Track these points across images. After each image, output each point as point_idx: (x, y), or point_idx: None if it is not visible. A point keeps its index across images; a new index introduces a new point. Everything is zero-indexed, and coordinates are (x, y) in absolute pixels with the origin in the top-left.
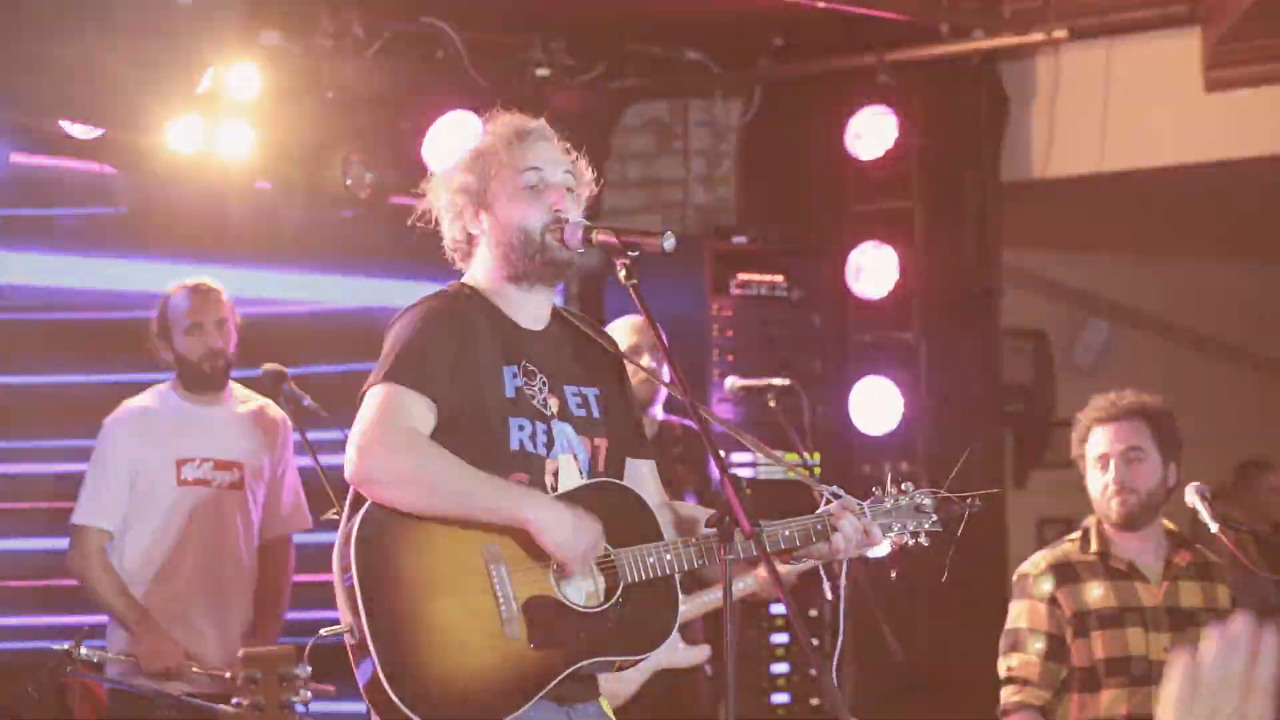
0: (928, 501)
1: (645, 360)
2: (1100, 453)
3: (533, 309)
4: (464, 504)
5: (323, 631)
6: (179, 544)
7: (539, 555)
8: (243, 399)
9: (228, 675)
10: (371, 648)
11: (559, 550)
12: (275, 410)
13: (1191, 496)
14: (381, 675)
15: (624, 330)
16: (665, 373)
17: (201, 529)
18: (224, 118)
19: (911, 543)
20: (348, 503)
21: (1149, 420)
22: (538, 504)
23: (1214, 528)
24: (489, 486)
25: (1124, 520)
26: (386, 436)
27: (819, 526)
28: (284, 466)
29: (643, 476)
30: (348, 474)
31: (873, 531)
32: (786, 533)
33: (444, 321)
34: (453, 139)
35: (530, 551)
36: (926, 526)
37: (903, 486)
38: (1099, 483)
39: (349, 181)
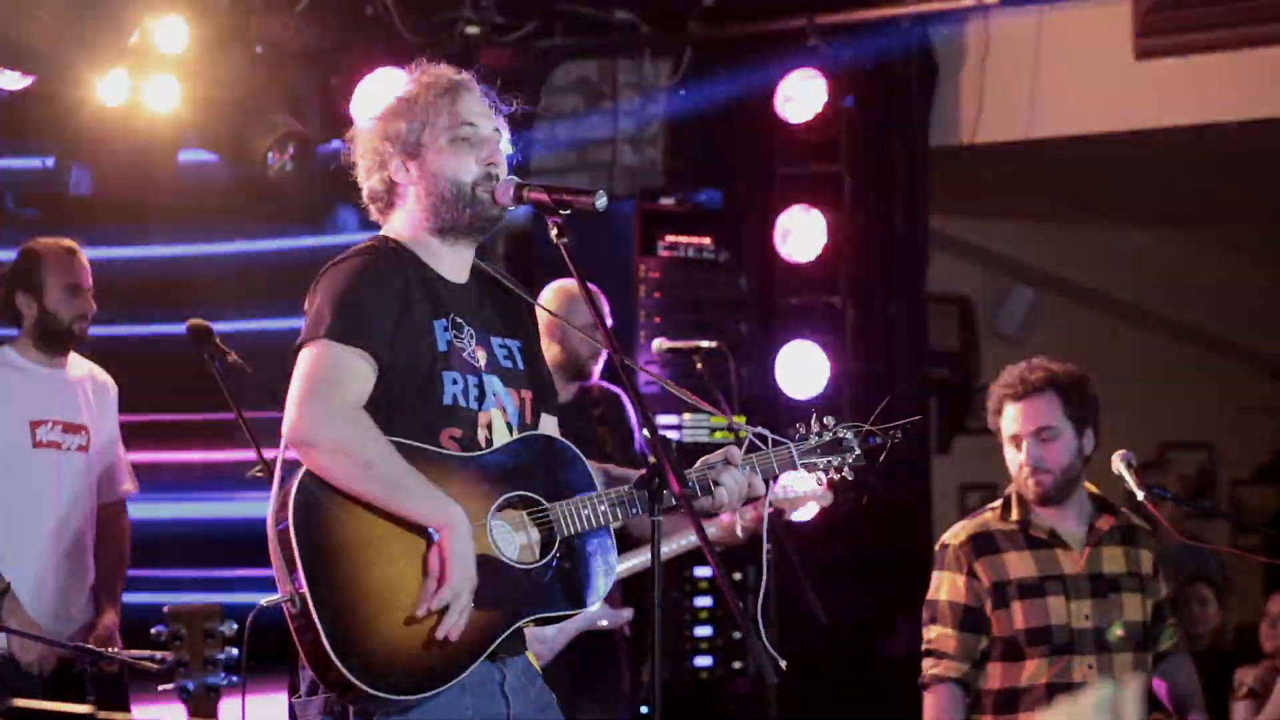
0: (849, 435)
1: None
2: (1012, 432)
3: (455, 262)
4: (388, 491)
5: (263, 602)
6: (38, 508)
7: (475, 515)
8: (75, 362)
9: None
10: (315, 616)
11: (450, 559)
12: (103, 373)
13: (1119, 465)
14: (326, 643)
15: (559, 294)
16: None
17: (57, 493)
18: (151, 71)
19: (837, 477)
20: (278, 464)
21: (1059, 391)
22: (459, 513)
23: (1140, 495)
24: (416, 482)
25: (1041, 499)
26: (327, 400)
27: (704, 482)
28: (114, 430)
29: (550, 431)
30: (285, 430)
31: (755, 482)
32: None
33: (378, 276)
34: (380, 95)
35: (468, 512)
36: (850, 461)
37: (825, 422)
38: (1014, 460)
39: (276, 135)
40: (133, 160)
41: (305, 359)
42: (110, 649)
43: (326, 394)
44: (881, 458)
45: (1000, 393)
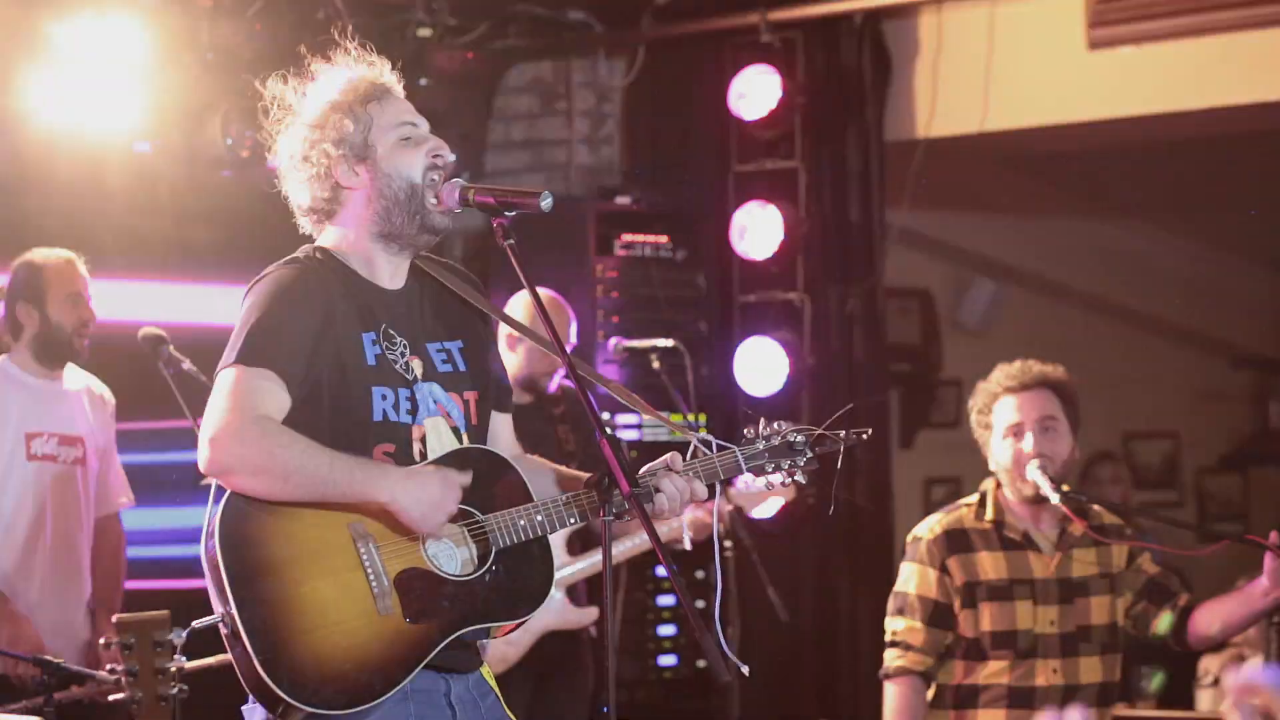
0: (799, 439)
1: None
2: (1013, 421)
3: (391, 268)
4: (319, 489)
5: (195, 624)
6: (33, 522)
7: (411, 533)
8: (72, 374)
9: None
10: (244, 637)
11: (420, 524)
12: (100, 385)
13: (1033, 473)
14: (256, 663)
15: (525, 307)
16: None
17: (53, 506)
18: (102, 78)
19: (788, 481)
20: (212, 487)
21: (1056, 390)
22: (392, 482)
23: (1055, 499)
24: (342, 470)
25: (1036, 494)
26: (236, 424)
27: (644, 489)
28: (110, 443)
29: (500, 430)
30: (201, 464)
31: (696, 488)
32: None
33: (297, 292)
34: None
35: (397, 526)
36: (801, 464)
37: (775, 426)
38: (1009, 451)
39: (229, 141)
40: (85, 168)
41: (217, 386)
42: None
43: (235, 419)
44: (837, 463)
45: (997, 386)
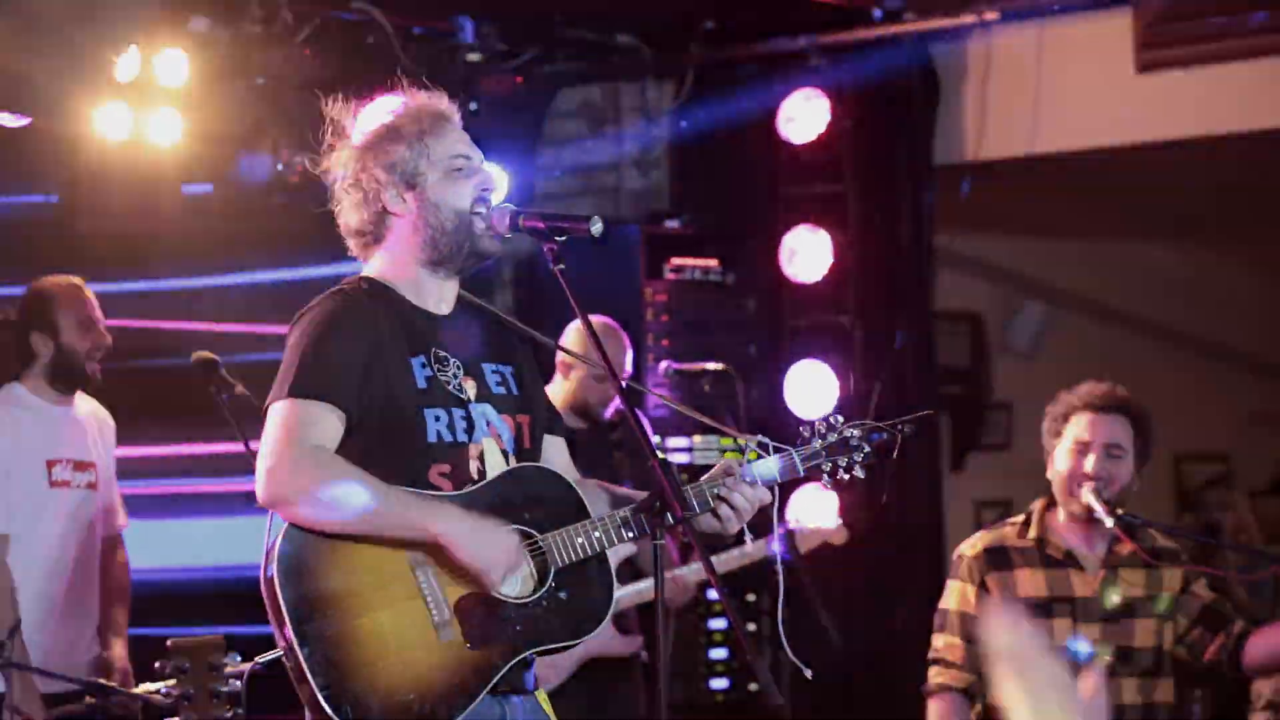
0: (856, 433)
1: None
2: (1083, 438)
3: (440, 294)
4: (373, 522)
5: (258, 660)
6: (56, 547)
7: None
8: (80, 399)
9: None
10: (307, 672)
11: (474, 563)
12: (103, 410)
13: (1088, 495)
14: (321, 698)
15: (580, 336)
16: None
17: (71, 532)
18: (152, 105)
19: (846, 477)
20: (269, 517)
21: (1134, 420)
22: (447, 517)
23: (1109, 523)
24: (398, 503)
25: (1087, 511)
26: (291, 455)
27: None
28: (113, 466)
29: (553, 454)
30: (258, 497)
31: (761, 494)
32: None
33: (346, 322)
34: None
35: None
36: (859, 459)
37: (831, 422)
38: (1068, 465)
39: (279, 167)
40: (136, 195)
41: (270, 418)
42: (119, 684)
43: (290, 451)
44: (893, 454)
45: (1078, 400)
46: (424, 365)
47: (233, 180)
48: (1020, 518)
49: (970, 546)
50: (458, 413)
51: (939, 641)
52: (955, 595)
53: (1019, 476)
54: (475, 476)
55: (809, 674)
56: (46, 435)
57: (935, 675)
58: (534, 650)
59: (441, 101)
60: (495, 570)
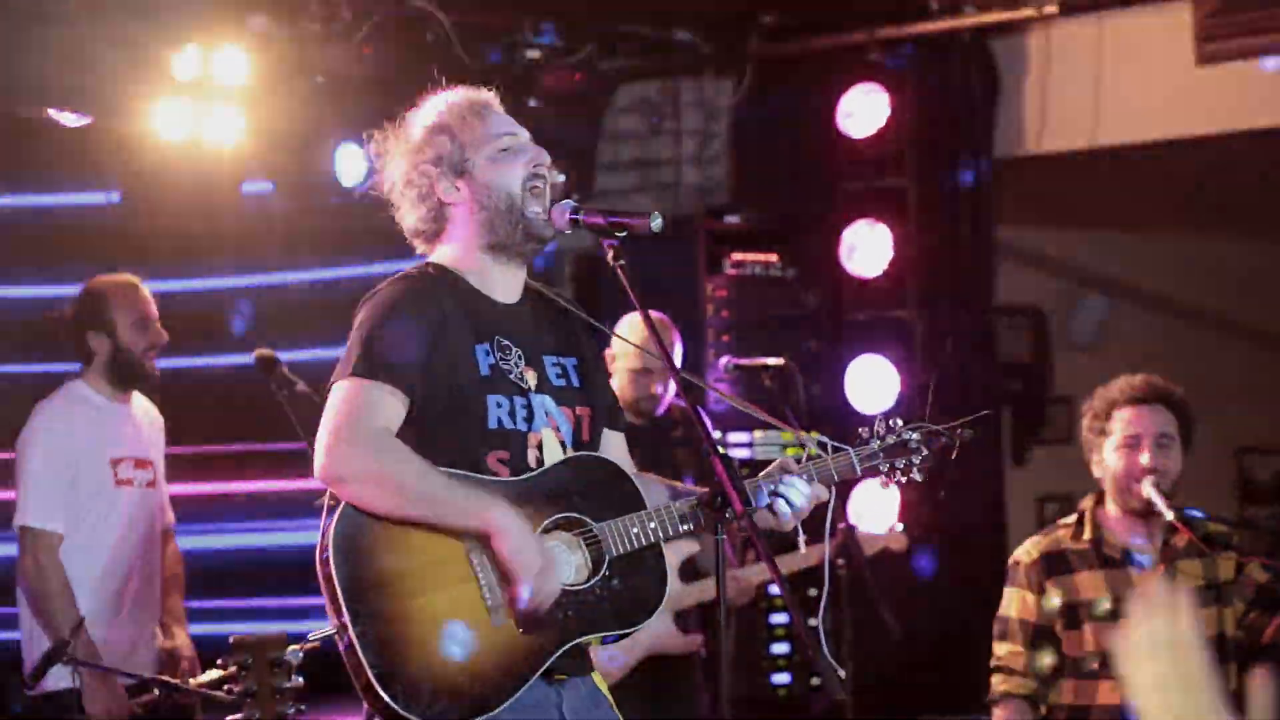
0: (914, 436)
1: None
2: (1132, 432)
3: (505, 282)
4: (430, 506)
5: (310, 636)
6: (117, 546)
7: None
8: (135, 397)
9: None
10: (359, 651)
11: (511, 558)
12: (153, 407)
13: (1149, 489)
14: (372, 677)
15: (633, 329)
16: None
17: (135, 530)
18: (212, 104)
19: (904, 480)
20: (325, 500)
21: (1176, 410)
22: (504, 511)
23: (1170, 515)
24: (456, 489)
25: (1147, 505)
26: (352, 435)
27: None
28: (162, 462)
29: (612, 448)
30: (316, 472)
31: (818, 491)
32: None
33: (411, 306)
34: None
35: None
36: (917, 462)
37: (891, 424)
38: (1122, 460)
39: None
40: (196, 193)
41: (333, 397)
42: (185, 679)
43: (352, 429)
44: (953, 456)
45: (1118, 396)
46: (488, 352)
47: (293, 179)
48: (1072, 519)
49: (1026, 553)
50: (519, 401)
51: (1001, 649)
52: (1015, 602)
53: (1081, 471)
54: (534, 465)
55: (842, 674)
56: (110, 433)
57: (999, 683)
58: (585, 637)
59: (479, 90)
60: (529, 572)
